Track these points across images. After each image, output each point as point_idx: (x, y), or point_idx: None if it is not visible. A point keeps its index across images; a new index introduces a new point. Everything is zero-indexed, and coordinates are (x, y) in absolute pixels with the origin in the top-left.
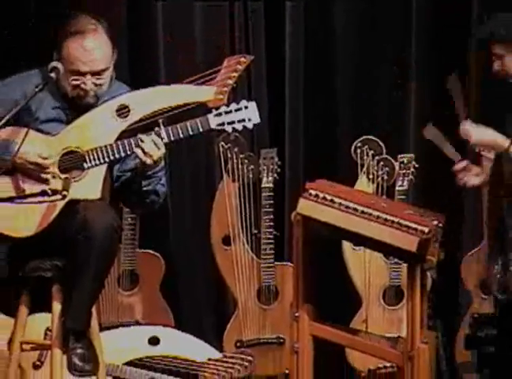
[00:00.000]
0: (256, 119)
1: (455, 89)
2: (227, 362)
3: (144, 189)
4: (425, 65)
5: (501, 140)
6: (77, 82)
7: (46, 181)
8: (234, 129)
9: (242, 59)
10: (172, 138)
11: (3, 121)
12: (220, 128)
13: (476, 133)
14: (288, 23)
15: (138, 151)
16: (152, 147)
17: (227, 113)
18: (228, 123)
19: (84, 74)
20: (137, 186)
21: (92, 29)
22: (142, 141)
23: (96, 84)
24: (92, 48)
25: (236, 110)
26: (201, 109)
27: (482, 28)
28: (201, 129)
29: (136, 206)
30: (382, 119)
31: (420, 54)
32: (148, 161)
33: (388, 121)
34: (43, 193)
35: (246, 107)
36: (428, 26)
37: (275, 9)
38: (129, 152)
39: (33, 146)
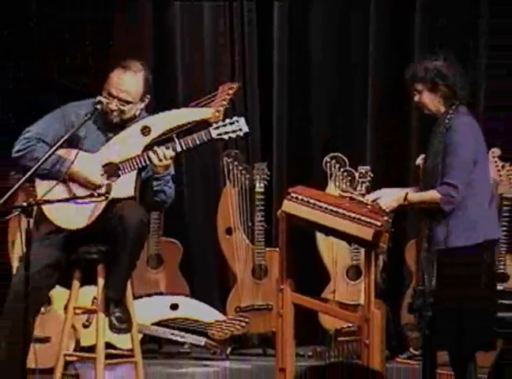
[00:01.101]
0: (245, 129)
1: None
2: (229, 322)
3: (155, 188)
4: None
5: (399, 196)
6: (107, 101)
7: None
8: (230, 138)
9: (233, 86)
10: (185, 147)
11: (61, 141)
12: (219, 137)
13: (383, 200)
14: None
15: (155, 159)
16: (166, 156)
17: (223, 126)
18: (225, 133)
19: (113, 97)
20: (149, 187)
21: (135, 69)
22: (157, 152)
23: (119, 109)
24: (126, 81)
25: (230, 124)
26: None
27: (407, 70)
28: (205, 139)
29: (150, 204)
30: (346, 139)
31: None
32: (161, 164)
33: (350, 141)
34: (91, 195)
35: (237, 121)
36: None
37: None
38: (149, 162)
39: (83, 161)
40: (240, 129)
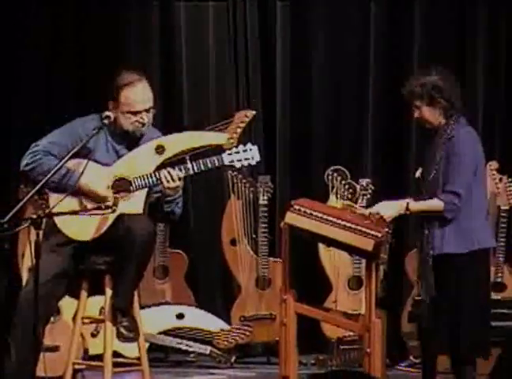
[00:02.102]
0: (257, 158)
1: None
2: (233, 331)
3: (165, 210)
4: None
5: (400, 205)
6: (136, 118)
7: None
8: (242, 165)
9: (248, 113)
10: (196, 170)
11: (70, 154)
12: (231, 164)
13: (384, 211)
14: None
15: (164, 180)
16: (174, 178)
17: (236, 153)
18: (237, 160)
19: (140, 112)
20: (160, 207)
21: (138, 79)
22: (170, 173)
23: (148, 118)
24: (142, 92)
25: (243, 151)
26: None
27: (404, 88)
28: (217, 164)
29: (158, 220)
30: (347, 152)
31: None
32: (172, 185)
33: (352, 154)
34: (99, 207)
35: (250, 149)
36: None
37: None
38: (159, 181)
39: (92, 174)
40: (252, 158)
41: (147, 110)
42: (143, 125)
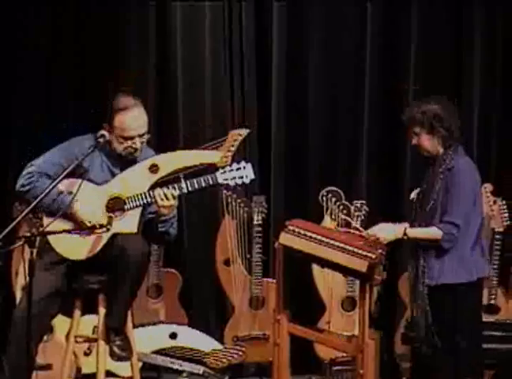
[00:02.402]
0: (251, 176)
1: None
2: (226, 351)
3: (160, 230)
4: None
5: (397, 230)
6: (129, 144)
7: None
8: (236, 184)
9: (242, 132)
10: (190, 189)
11: (63, 175)
12: (225, 182)
13: (381, 233)
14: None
15: (158, 199)
16: (168, 197)
17: (230, 171)
18: (231, 179)
19: (133, 138)
20: (154, 228)
21: (133, 104)
22: (164, 191)
23: (141, 143)
24: (137, 118)
25: (237, 169)
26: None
27: (404, 114)
28: (211, 183)
29: (153, 241)
30: (342, 172)
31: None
32: (166, 204)
33: (347, 174)
34: (93, 227)
35: (244, 167)
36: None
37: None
38: (154, 200)
39: (86, 194)
40: (246, 176)
41: (140, 136)
42: (135, 150)
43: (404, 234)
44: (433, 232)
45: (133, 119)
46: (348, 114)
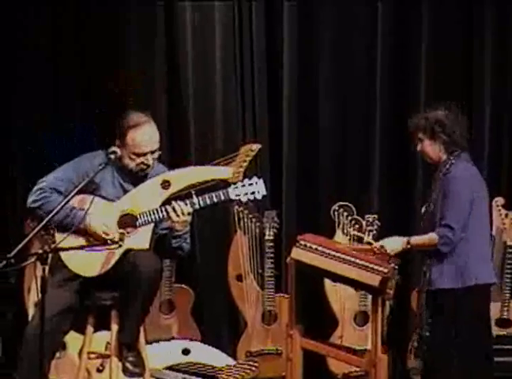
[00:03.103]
0: (263, 192)
1: None
2: (239, 367)
3: (173, 245)
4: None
5: (402, 241)
6: (141, 160)
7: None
8: (247, 199)
9: (254, 147)
10: (202, 205)
11: (74, 191)
12: (237, 198)
13: (388, 246)
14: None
15: (172, 214)
16: (183, 212)
17: (242, 187)
18: (243, 194)
19: (145, 154)
20: (168, 243)
21: (145, 121)
22: (178, 206)
23: (153, 159)
24: (149, 134)
25: (249, 185)
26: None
27: (411, 120)
28: (223, 199)
29: (167, 257)
30: (354, 187)
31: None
32: (180, 220)
33: (359, 189)
34: (105, 243)
35: (256, 183)
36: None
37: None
38: (166, 215)
39: (98, 211)
40: (258, 191)
41: (152, 152)
42: (147, 166)
43: (408, 242)
44: (430, 237)
45: (145, 136)
46: (359, 125)
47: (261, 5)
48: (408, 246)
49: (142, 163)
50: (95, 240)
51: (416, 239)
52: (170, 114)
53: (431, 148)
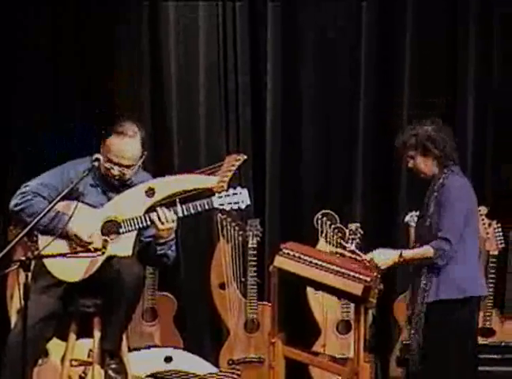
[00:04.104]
0: (247, 201)
1: None
2: (221, 375)
3: (158, 253)
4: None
5: (395, 256)
6: (108, 167)
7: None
8: (231, 209)
9: (239, 157)
10: (186, 213)
11: (59, 197)
12: (220, 207)
13: (379, 260)
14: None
15: (157, 222)
16: (168, 219)
17: (226, 196)
18: (227, 204)
19: (114, 164)
20: (152, 251)
21: (131, 134)
22: (163, 214)
23: (121, 173)
24: (126, 149)
25: (233, 194)
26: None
27: (398, 138)
28: (206, 207)
29: (151, 264)
30: (337, 195)
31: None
32: (165, 227)
33: (342, 197)
34: (88, 250)
35: (240, 193)
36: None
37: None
38: (151, 223)
39: (81, 217)
40: (242, 201)
41: (123, 166)
42: (112, 176)
43: (401, 256)
44: (425, 250)
45: (122, 147)
46: (343, 134)
47: (245, 5)
48: (401, 260)
49: (109, 170)
50: (78, 246)
51: (410, 253)
52: (153, 115)
53: (425, 165)
